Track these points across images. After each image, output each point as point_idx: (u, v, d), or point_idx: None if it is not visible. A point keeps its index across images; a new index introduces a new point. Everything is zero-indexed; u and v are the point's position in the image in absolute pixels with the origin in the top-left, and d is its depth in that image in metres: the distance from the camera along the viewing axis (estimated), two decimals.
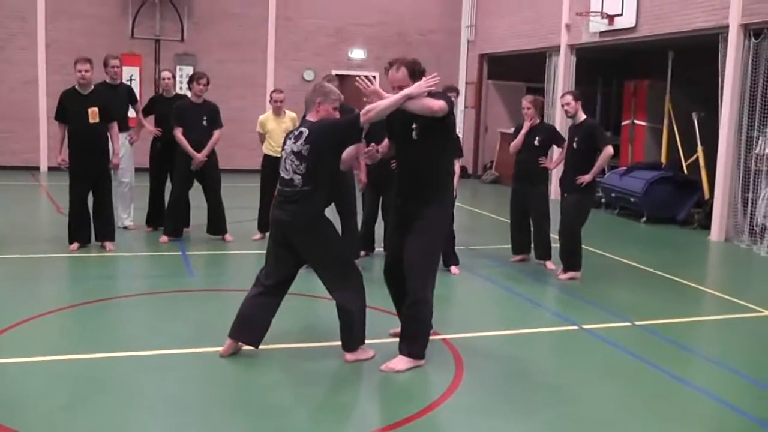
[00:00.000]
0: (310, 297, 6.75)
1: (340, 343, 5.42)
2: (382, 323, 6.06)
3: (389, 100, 5.09)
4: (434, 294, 5.38)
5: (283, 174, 5.24)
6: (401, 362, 5.28)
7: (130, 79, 16.32)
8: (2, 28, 16.22)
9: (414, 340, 5.31)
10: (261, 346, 5.40)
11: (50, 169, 15.84)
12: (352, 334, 5.34)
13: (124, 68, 15.87)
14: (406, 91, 5.05)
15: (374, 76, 18.42)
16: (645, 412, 4.80)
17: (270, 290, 5.38)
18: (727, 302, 7.71)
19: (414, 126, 5.19)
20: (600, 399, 5.00)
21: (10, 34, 16.28)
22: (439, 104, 5.02)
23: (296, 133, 5.24)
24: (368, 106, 5.12)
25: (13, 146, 16.35)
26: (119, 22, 16.87)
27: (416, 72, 5.16)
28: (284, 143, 5.33)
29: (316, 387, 4.99)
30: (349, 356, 5.36)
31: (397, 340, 5.44)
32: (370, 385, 5.10)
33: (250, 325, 5.37)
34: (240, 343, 5.43)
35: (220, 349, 5.42)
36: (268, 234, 9.44)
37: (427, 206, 5.22)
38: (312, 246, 5.23)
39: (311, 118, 5.29)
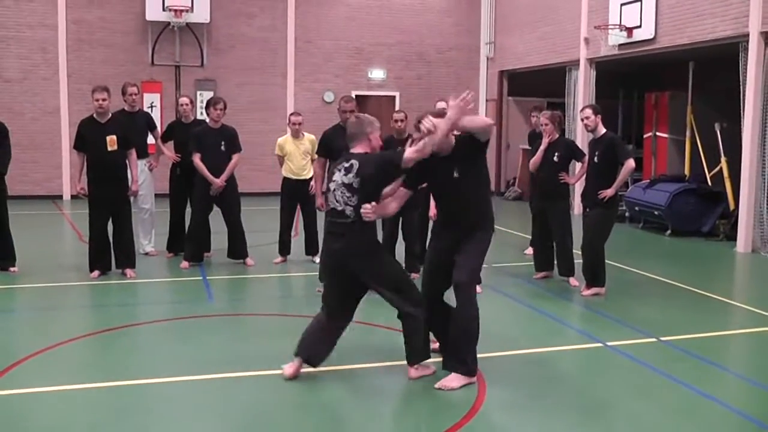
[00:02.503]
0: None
1: (350, 366, 5.43)
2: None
3: (433, 137, 5.09)
4: None
5: (334, 206, 5.31)
6: (455, 380, 5.30)
7: (151, 106, 16.48)
8: (24, 60, 16.44)
9: (465, 357, 5.33)
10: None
11: (73, 197, 15.95)
12: (419, 343, 5.38)
13: (146, 95, 16.07)
14: (450, 115, 5.07)
15: (393, 96, 18.54)
16: (673, 430, 4.70)
17: (333, 316, 5.46)
18: (755, 315, 7.56)
19: (455, 166, 5.29)
20: (627, 418, 4.90)
21: (33, 65, 16.50)
22: (488, 120, 5.32)
23: (346, 165, 5.28)
24: (420, 144, 5.13)
25: (36, 175, 16.50)
26: (139, 50, 17.04)
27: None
28: (332, 174, 5.40)
29: (332, 411, 4.93)
30: (414, 372, 5.41)
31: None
32: (382, 409, 5.04)
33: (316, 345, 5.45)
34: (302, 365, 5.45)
35: (242, 374, 5.43)
36: (288, 257, 9.52)
37: (476, 230, 5.36)
38: (370, 267, 5.29)
39: (361, 149, 5.33)
